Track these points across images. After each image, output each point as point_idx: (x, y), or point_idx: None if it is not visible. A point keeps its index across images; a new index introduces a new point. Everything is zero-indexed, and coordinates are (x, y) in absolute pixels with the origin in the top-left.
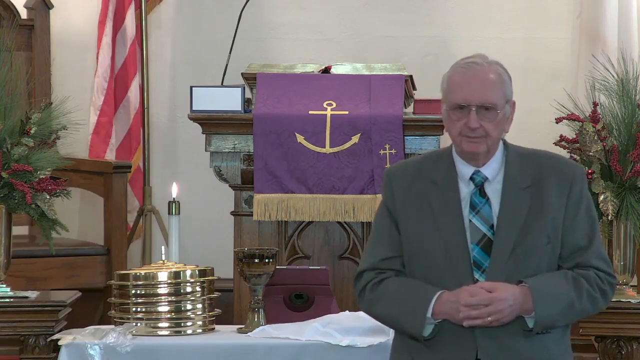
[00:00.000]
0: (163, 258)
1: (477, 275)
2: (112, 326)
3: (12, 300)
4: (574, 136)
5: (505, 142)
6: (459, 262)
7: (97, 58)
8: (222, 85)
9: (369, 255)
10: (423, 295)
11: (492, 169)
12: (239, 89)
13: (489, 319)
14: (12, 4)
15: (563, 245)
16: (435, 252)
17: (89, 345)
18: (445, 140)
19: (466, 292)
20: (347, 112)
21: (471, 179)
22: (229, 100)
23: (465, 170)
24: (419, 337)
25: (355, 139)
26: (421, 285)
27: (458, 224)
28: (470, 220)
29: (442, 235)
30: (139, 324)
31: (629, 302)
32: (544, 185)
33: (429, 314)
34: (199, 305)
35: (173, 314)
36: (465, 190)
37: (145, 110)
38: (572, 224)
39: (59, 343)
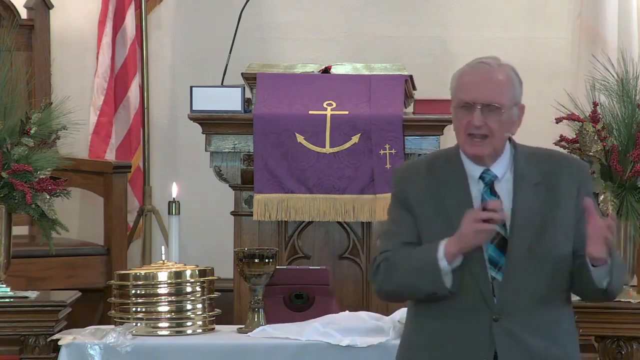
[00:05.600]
0: (163, 258)
1: (493, 273)
2: (112, 326)
3: (12, 300)
4: (574, 136)
5: (513, 142)
6: (474, 261)
7: (97, 58)
8: (222, 85)
9: (385, 243)
10: (431, 248)
11: (501, 167)
12: (239, 89)
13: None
14: (12, 4)
15: (575, 242)
16: None
17: (89, 345)
18: (445, 141)
19: (467, 216)
20: (347, 112)
21: (481, 177)
22: (229, 100)
23: (474, 169)
24: (443, 290)
25: (355, 139)
26: (427, 245)
27: None
28: None
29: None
30: (139, 324)
31: (629, 302)
32: (555, 181)
33: (440, 255)
34: (199, 305)
35: (173, 314)
36: (476, 189)
37: (145, 110)
38: (583, 221)
39: (59, 343)
